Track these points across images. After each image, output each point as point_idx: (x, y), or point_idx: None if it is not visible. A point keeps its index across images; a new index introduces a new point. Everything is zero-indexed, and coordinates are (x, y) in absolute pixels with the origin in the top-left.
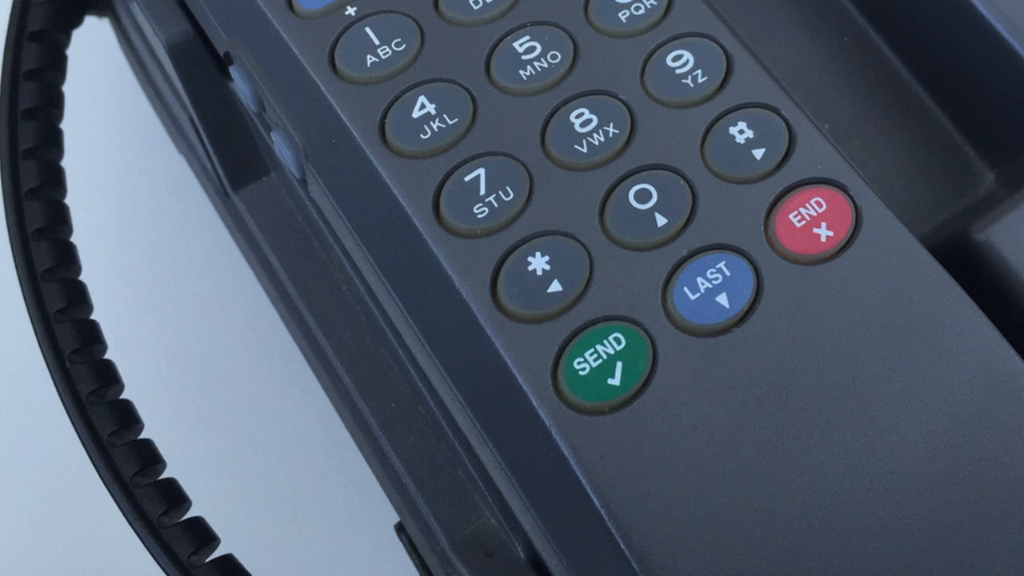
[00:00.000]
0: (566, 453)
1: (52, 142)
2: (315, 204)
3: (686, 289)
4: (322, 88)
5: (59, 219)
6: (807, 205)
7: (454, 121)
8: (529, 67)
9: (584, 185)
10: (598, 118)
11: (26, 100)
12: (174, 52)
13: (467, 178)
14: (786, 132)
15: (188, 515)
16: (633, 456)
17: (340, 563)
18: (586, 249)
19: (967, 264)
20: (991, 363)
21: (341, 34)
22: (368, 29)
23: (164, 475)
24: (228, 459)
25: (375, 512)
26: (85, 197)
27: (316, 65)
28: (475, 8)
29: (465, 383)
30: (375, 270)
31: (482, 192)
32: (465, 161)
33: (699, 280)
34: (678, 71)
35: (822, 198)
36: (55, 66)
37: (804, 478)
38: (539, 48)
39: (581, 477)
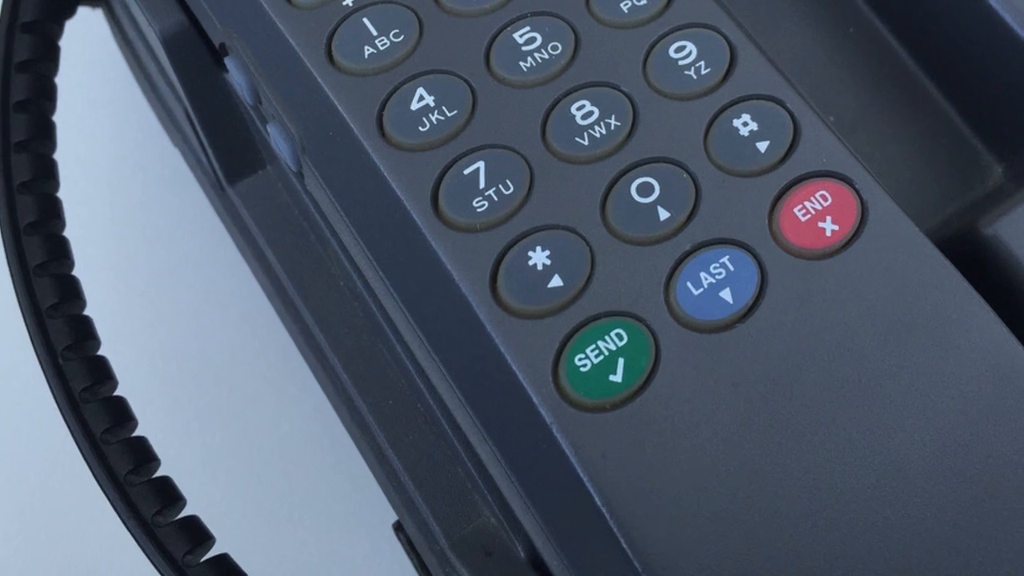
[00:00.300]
0: (567, 451)
1: (44, 135)
2: (312, 198)
3: (689, 284)
4: (319, 80)
5: (51, 213)
6: (812, 199)
7: (453, 113)
8: (529, 58)
9: (585, 178)
10: (599, 110)
11: (18, 92)
12: (169, 43)
13: (466, 171)
14: (790, 124)
15: (183, 514)
16: (635, 454)
17: (337, 563)
18: (587, 243)
19: (975, 259)
20: (999, 359)
21: (338, 25)
22: (366, 20)
23: (158, 473)
24: (223, 457)
25: (373, 511)
26: (78, 190)
27: (313, 56)
28: None
29: (464, 380)
30: (373, 265)
31: (482, 185)
32: (464, 154)
33: (702, 275)
34: (681, 62)
35: (827, 192)
36: (48, 57)
37: (809, 476)
38: (540, 39)
39: (582, 475)
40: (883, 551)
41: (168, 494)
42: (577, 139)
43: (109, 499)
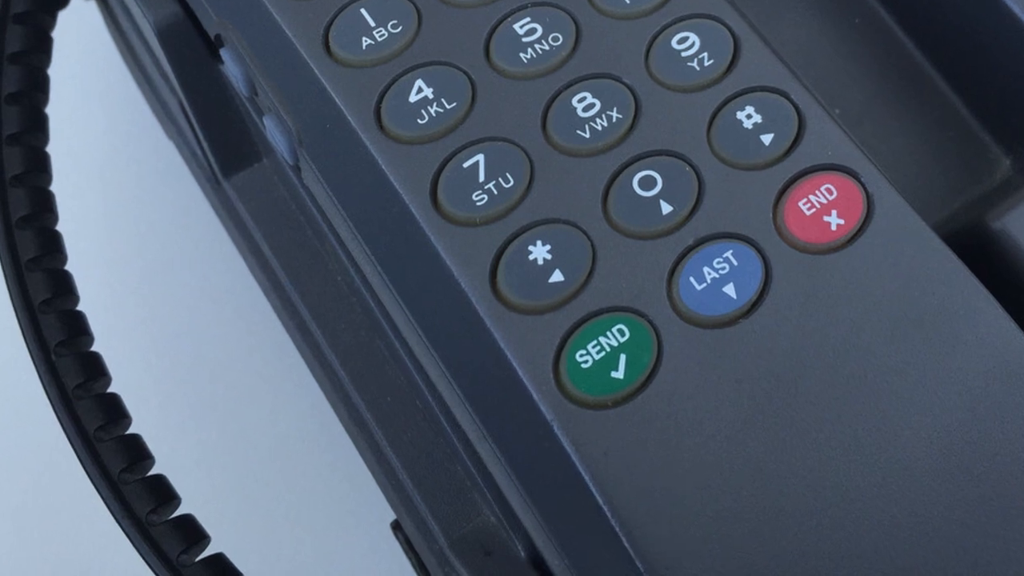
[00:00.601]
0: (568, 449)
1: (37, 127)
2: (309, 191)
3: (692, 279)
4: (316, 71)
5: (44, 207)
6: (817, 192)
7: (452, 105)
8: (530, 50)
9: (587, 172)
10: (601, 102)
11: (10, 84)
12: (163, 35)
13: (466, 164)
14: (795, 117)
15: (177, 513)
16: (637, 452)
17: (334, 562)
18: (589, 238)
19: (982, 253)
20: (1007, 355)
21: (336, 15)
22: (363, 10)
23: (152, 471)
24: (219, 455)
25: (371, 510)
26: (71, 184)
27: (310, 48)
28: None
29: (464, 376)
30: (371, 260)
31: (481, 179)
32: (464, 147)
33: (705, 270)
34: (684, 54)
35: (833, 185)
36: (40, 49)
37: (814, 474)
38: (540, 30)
39: (584, 473)
40: (889, 550)
41: (162, 492)
42: (578, 132)
43: (103, 497)
